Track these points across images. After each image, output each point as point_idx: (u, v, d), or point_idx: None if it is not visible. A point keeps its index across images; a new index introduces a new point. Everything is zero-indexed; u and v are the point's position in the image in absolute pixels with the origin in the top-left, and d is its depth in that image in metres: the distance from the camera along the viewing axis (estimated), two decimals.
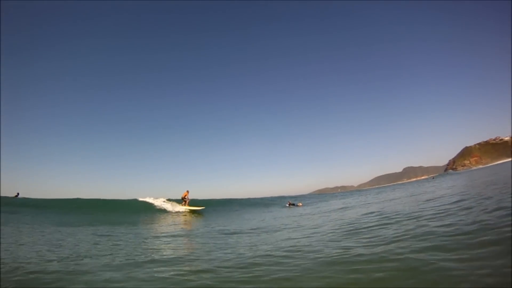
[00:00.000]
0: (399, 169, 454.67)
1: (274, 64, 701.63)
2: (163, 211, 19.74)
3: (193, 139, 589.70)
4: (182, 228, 11.44)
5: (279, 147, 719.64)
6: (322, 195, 51.45)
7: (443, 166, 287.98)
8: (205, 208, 20.76)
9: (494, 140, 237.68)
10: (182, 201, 20.93)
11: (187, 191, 21.33)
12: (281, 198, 36.02)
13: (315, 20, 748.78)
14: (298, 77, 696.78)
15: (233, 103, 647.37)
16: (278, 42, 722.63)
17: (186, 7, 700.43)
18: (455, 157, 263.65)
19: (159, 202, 21.33)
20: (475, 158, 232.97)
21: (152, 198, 22.17)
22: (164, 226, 12.13)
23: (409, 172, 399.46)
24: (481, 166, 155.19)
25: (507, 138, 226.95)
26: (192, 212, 19.91)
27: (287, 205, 24.90)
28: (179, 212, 19.52)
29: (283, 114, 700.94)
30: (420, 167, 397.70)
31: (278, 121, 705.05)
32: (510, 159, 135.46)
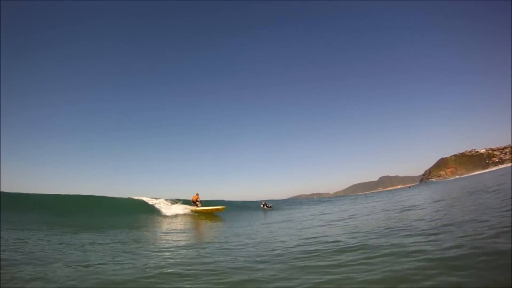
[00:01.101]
0: (375, 178, 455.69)
1: (249, 68, 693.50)
2: (158, 213, 17.63)
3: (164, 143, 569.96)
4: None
5: (256, 153, 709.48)
6: (297, 200, 48.05)
7: (419, 176, 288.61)
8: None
9: (469, 152, 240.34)
10: (193, 205, 19.56)
11: (197, 194, 20.17)
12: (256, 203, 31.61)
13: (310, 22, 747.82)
14: (275, 82, 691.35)
15: (212, 103, 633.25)
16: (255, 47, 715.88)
17: (187, 7, 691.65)
18: (431, 168, 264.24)
19: (162, 204, 19.62)
20: (451, 169, 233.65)
21: (149, 198, 20.49)
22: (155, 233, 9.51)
23: (385, 181, 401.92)
24: (457, 177, 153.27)
25: (482, 151, 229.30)
26: (205, 213, 18.69)
27: (262, 205, 25.84)
28: (177, 214, 17.94)
29: (259, 120, 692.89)
30: (396, 177, 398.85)
31: (255, 127, 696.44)
32: (484, 171, 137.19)
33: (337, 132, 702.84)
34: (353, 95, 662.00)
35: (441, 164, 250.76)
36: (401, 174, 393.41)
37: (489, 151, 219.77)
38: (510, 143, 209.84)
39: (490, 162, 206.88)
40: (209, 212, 18.69)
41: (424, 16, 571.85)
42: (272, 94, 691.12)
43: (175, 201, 19.78)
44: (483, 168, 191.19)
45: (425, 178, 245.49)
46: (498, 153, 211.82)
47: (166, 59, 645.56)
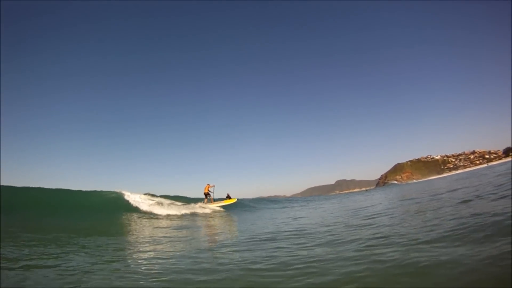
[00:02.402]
0: (331, 181, 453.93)
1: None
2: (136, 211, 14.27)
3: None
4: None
5: (210, 155, 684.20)
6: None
7: (375, 180, 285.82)
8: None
9: (425, 158, 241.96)
10: (205, 197, 18.57)
11: (209, 185, 18.84)
12: None
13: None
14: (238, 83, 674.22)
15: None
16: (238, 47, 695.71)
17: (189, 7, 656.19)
18: (387, 172, 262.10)
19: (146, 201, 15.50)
20: (407, 174, 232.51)
21: (130, 193, 15.97)
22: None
23: (341, 184, 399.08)
24: (415, 181, 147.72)
25: (437, 157, 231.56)
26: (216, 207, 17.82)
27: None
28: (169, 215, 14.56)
29: (218, 121, 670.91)
30: (352, 180, 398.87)
31: (215, 128, 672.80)
32: (439, 176, 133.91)
33: (293, 135, 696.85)
34: (310, 99, 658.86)
35: (398, 169, 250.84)
36: (358, 178, 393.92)
37: (444, 158, 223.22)
38: (464, 151, 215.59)
39: (445, 168, 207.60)
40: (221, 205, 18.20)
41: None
42: (225, 92, 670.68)
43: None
44: (438, 173, 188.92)
45: (381, 182, 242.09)
46: (453, 160, 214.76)
47: (180, 55, 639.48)
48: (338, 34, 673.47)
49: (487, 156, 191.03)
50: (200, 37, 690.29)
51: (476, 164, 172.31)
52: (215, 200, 19.31)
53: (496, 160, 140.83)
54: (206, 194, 18.75)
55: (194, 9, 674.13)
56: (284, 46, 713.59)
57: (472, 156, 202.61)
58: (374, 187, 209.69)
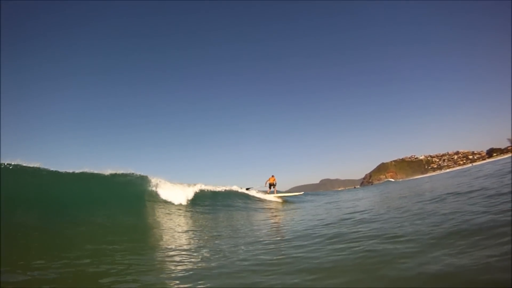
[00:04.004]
0: (316, 180, 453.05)
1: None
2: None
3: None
4: None
5: (202, 148, 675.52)
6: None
7: (359, 179, 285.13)
8: None
9: (409, 158, 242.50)
10: (268, 188, 19.09)
11: (273, 176, 19.17)
12: None
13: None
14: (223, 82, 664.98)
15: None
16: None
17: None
18: (371, 172, 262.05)
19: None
20: (391, 173, 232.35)
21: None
22: None
23: (326, 183, 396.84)
24: (400, 180, 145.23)
25: (421, 157, 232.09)
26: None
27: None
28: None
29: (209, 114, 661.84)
30: (336, 180, 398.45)
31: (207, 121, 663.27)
32: (422, 175, 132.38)
33: (276, 134, 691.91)
34: (295, 98, 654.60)
35: (382, 168, 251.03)
36: (342, 178, 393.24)
37: (428, 158, 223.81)
38: (448, 151, 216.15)
39: (429, 168, 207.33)
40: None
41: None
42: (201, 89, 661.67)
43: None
44: (422, 173, 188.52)
45: (365, 181, 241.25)
46: (437, 160, 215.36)
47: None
48: (323, 32, 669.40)
49: (470, 157, 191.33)
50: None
51: (460, 164, 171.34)
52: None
53: (480, 161, 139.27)
54: (271, 185, 19.17)
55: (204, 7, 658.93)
56: (270, 44, 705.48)
57: (456, 157, 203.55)
58: (358, 186, 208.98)
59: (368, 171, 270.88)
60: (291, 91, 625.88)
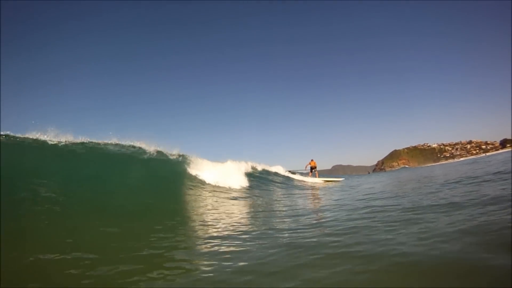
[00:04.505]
0: (328, 166, 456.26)
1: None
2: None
3: None
4: None
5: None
6: None
7: (371, 166, 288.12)
8: None
9: (422, 145, 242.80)
10: (310, 171, 19.59)
11: (313, 160, 19.77)
12: None
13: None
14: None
15: None
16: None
17: None
18: (383, 159, 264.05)
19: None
20: (403, 161, 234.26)
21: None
22: None
23: (338, 169, 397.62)
24: (414, 167, 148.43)
25: (434, 145, 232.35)
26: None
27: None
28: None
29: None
30: (349, 166, 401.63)
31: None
32: (434, 164, 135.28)
33: (290, 120, 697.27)
34: (310, 85, 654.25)
35: (394, 155, 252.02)
36: (354, 164, 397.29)
37: (441, 146, 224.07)
38: (461, 140, 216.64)
39: (441, 156, 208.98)
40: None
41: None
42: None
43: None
44: (434, 161, 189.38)
45: (377, 168, 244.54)
46: (450, 149, 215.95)
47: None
48: (338, 19, 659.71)
49: (483, 147, 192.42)
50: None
51: (472, 154, 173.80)
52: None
53: (493, 151, 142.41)
54: (312, 168, 19.61)
55: None
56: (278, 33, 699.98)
57: (468, 146, 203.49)
58: (370, 172, 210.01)
59: (380, 158, 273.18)
60: (306, 78, 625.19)
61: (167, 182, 8.23)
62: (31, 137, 7.21)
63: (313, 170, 19.78)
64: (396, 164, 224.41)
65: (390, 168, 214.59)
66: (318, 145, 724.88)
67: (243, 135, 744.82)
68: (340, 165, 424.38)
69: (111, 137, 9.11)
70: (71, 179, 6.01)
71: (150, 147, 9.51)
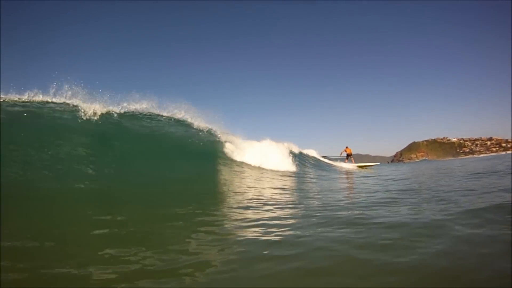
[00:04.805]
0: (344, 154, 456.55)
1: None
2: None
3: None
4: None
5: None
6: None
7: (389, 157, 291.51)
8: None
9: (442, 139, 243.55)
10: (346, 158, 20.21)
11: (348, 148, 20.63)
12: None
13: None
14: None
15: None
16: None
17: None
18: (402, 150, 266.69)
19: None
20: (422, 153, 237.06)
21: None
22: None
23: (356, 158, 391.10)
24: (435, 159, 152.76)
25: (454, 140, 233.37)
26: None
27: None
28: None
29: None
30: (367, 155, 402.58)
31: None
32: (453, 158, 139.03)
33: (310, 108, 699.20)
34: (328, 74, 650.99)
35: (413, 147, 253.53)
36: (372, 154, 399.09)
37: (461, 141, 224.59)
38: (481, 136, 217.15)
39: (461, 151, 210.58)
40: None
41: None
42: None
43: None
44: (453, 156, 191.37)
45: (396, 159, 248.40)
46: (469, 144, 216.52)
47: None
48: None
49: (503, 145, 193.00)
50: None
51: (492, 151, 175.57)
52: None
53: None
54: (348, 155, 21.22)
55: None
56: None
57: (488, 143, 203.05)
58: (389, 162, 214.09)
59: (397, 150, 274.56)
60: (327, 64, 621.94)
61: (200, 160, 7.30)
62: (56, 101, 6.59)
63: (349, 157, 20.96)
64: (415, 156, 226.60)
65: (408, 160, 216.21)
66: (336, 132, 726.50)
67: (258, 115, 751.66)
68: (359, 154, 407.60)
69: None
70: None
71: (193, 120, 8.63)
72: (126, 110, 7.72)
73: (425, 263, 2.13)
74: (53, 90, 6.63)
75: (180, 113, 8.79)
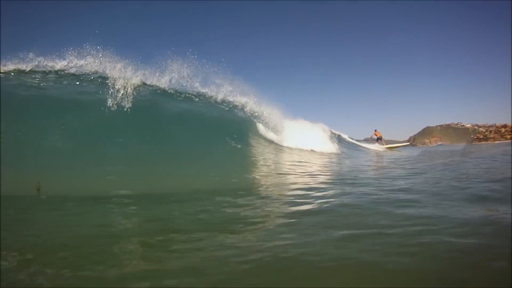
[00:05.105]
0: (359, 138, 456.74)
1: None
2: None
3: None
4: None
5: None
6: None
7: (402, 141, 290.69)
8: None
9: (455, 124, 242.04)
10: (376, 141, 20.61)
11: (377, 131, 21.19)
12: None
13: None
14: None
15: None
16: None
17: None
18: (415, 135, 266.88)
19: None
20: (435, 138, 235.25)
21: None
22: None
23: (369, 141, 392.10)
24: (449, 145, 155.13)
25: (468, 125, 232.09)
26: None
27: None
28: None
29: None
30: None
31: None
32: (467, 144, 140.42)
33: (328, 89, 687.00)
34: (344, 58, 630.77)
35: (426, 132, 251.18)
36: (385, 138, 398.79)
37: (475, 127, 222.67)
38: (495, 123, 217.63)
39: (474, 137, 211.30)
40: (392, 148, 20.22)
41: None
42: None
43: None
44: (467, 142, 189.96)
45: (410, 143, 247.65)
46: (483, 130, 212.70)
47: None
48: None
49: None
50: None
51: (506, 138, 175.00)
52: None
53: None
54: (378, 138, 21.81)
55: None
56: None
57: (503, 130, 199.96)
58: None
59: (410, 134, 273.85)
60: (342, 45, 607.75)
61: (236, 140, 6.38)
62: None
63: (380, 140, 21.53)
64: (428, 141, 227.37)
65: (422, 145, 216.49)
66: (348, 113, 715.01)
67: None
68: (372, 138, 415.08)
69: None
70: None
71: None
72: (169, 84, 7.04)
73: None
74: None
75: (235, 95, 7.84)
